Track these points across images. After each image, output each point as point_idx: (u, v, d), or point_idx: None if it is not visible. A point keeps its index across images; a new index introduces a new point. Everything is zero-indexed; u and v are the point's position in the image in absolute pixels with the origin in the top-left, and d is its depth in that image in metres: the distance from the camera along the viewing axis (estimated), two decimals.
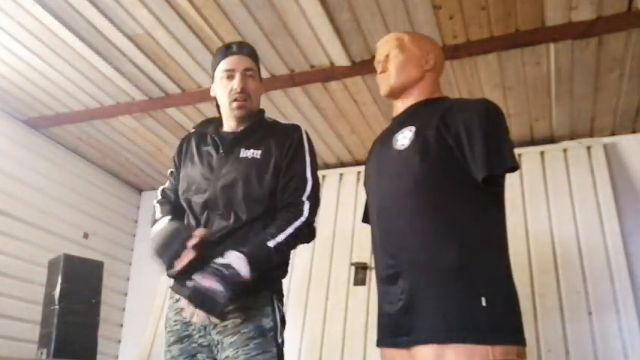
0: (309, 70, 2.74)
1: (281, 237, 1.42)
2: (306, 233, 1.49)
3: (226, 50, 1.63)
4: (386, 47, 1.59)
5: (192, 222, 1.55)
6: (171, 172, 1.74)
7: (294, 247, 1.48)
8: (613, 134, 3.11)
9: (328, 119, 3.15)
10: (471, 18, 2.32)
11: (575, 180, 3.00)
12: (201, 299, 1.28)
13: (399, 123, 1.52)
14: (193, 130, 1.75)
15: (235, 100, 1.57)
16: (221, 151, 1.59)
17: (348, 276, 3.22)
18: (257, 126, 1.62)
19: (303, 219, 1.47)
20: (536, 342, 2.67)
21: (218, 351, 1.43)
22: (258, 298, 1.44)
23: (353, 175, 3.53)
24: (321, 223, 3.43)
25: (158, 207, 1.65)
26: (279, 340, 1.43)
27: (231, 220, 1.48)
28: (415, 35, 1.62)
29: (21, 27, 2.52)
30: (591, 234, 2.83)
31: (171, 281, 1.50)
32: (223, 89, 1.60)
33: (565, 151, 3.12)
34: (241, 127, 1.62)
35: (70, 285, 2.79)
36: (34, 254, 3.29)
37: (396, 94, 1.56)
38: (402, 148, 1.44)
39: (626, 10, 2.23)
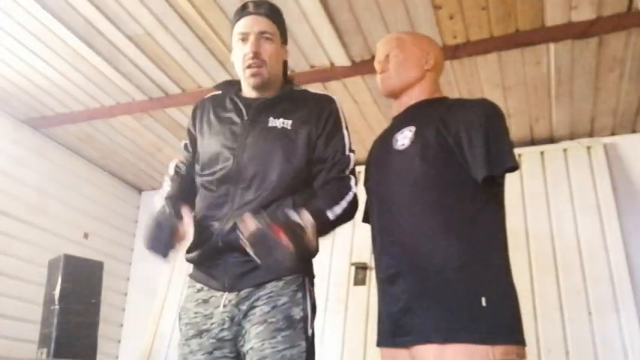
0: (309, 70, 2.74)
1: (337, 209, 1.32)
2: (354, 209, 1.40)
3: (242, 11, 1.46)
4: (386, 47, 1.59)
5: (208, 199, 1.42)
6: (185, 145, 1.58)
7: (345, 221, 1.38)
8: (613, 134, 3.11)
9: None
10: (471, 18, 2.32)
11: (575, 180, 3.00)
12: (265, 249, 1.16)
13: (399, 123, 1.52)
14: (208, 95, 1.60)
15: (249, 66, 1.41)
16: (246, 118, 1.44)
17: (348, 276, 3.22)
18: (287, 94, 1.48)
19: (352, 193, 1.38)
20: (536, 342, 2.67)
21: (244, 342, 1.29)
22: (289, 282, 1.32)
23: None
24: None
25: (167, 183, 1.51)
26: (310, 332, 1.30)
27: (258, 195, 1.35)
28: (415, 35, 1.62)
29: (21, 27, 2.52)
30: (591, 234, 2.83)
31: (190, 269, 1.44)
32: (238, 54, 1.45)
33: (565, 151, 3.13)
34: (265, 94, 1.47)
35: (70, 285, 2.79)
36: (34, 254, 3.29)
37: (396, 94, 1.56)
38: (401, 148, 1.44)
39: (626, 10, 2.23)
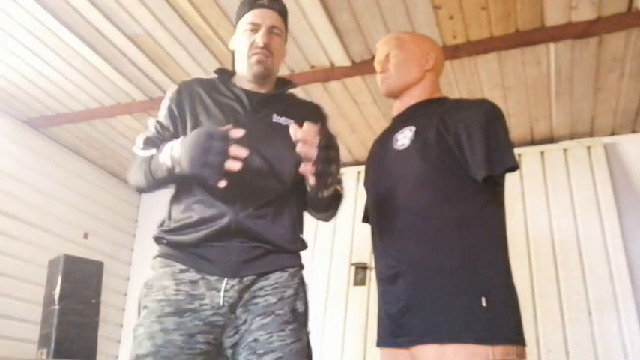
0: (309, 70, 2.74)
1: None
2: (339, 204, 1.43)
3: (255, 1, 1.43)
4: (386, 47, 1.59)
5: (204, 191, 1.29)
6: (160, 124, 1.39)
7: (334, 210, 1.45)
8: (613, 134, 3.11)
9: None
10: (471, 18, 2.32)
11: (575, 180, 3.00)
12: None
13: (399, 123, 1.52)
14: (194, 78, 1.48)
15: (255, 54, 1.38)
16: (248, 108, 1.38)
17: (348, 276, 3.22)
18: (285, 93, 1.47)
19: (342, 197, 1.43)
20: (536, 342, 2.68)
21: (237, 332, 1.22)
22: (292, 274, 1.29)
23: (353, 175, 3.53)
24: (322, 223, 3.43)
25: (141, 152, 1.34)
26: (308, 327, 1.30)
27: (270, 187, 1.31)
28: (415, 35, 1.62)
29: (21, 27, 2.52)
30: (591, 234, 2.83)
31: (160, 249, 1.37)
32: (245, 42, 1.40)
33: (565, 151, 3.13)
34: (262, 89, 1.43)
35: (70, 285, 2.80)
36: (34, 254, 3.29)
37: (396, 94, 1.56)
38: (402, 148, 1.44)
39: (626, 10, 2.23)
